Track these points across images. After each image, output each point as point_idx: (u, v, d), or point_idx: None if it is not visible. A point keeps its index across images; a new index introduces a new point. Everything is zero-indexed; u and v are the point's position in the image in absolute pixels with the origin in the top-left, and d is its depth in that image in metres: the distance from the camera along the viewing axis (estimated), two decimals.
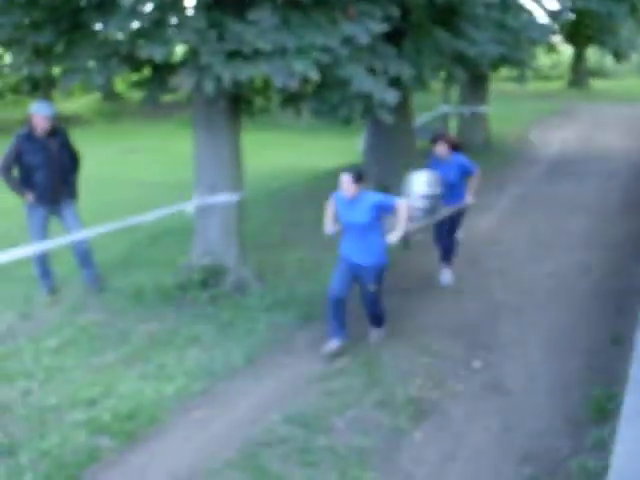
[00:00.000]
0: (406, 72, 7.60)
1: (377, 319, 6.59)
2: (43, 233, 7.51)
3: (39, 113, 7.35)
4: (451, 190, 7.81)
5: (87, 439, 5.01)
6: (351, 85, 6.81)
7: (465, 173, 7.97)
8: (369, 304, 6.43)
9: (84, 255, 7.75)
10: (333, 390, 5.64)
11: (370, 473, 4.60)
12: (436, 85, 15.83)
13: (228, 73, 6.32)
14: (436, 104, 16.41)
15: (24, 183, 7.40)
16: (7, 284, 7.98)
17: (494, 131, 18.24)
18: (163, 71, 6.92)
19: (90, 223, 7.39)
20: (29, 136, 7.40)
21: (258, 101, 8.37)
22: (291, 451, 4.83)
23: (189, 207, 7.60)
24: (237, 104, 7.65)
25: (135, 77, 7.54)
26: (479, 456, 4.82)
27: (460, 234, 8.39)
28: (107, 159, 16.15)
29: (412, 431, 5.10)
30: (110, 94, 26.40)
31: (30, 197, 7.41)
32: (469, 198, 8.02)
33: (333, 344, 6.25)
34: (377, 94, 6.89)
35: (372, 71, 7.05)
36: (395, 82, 7.43)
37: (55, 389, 5.73)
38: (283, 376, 5.92)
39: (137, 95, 7.99)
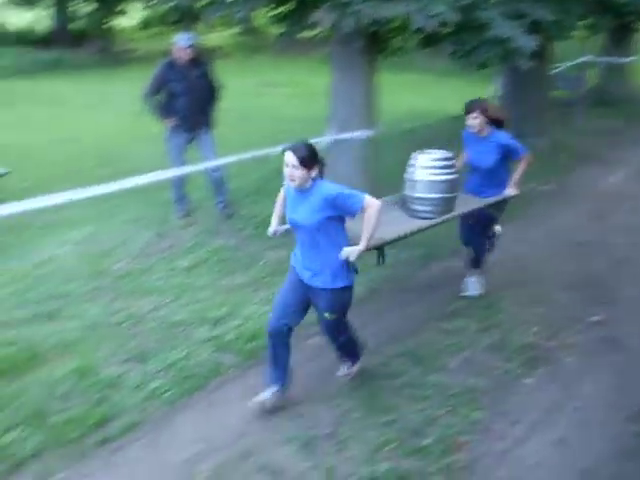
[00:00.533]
0: (548, 18, 7.42)
1: (344, 351, 4.96)
2: (181, 159, 7.87)
3: (181, 43, 7.64)
4: (487, 178, 6.15)
5: (211, 355, 5.34)
6: (490, 29, 6.74)
7: (508, 156, 6.10)
8: (328, 333, 4.76)
9: (218, 182, 8.08)
10: (449, 330, 5.76)
11: (478, 413, 4.71)
12: (579, 33, 15.25)
13: (368, 11, 6.38)
14: (577, 53, 15.81)
15: (166, 109, 7.75)
16: (146, 206, 8.45)
17: (639, 84, 17.46)
18: (304, 7, 7.04)
19: (226, 152, 7.68)
20: (171, 65, 7.72)
21: (395, 41, 8.38)
22: (403, 385, 4.99)
23: (322, 142, 7.76)
24: (374, 43, 7.70)
25: (275, 12, 7.69)
26: (588, 409, 4.83)
27: (497, 228, 6.65)
28: (245, 92, 16.50)
29: (523, 377, 5.16)
30: (249, 29, 26.81)
31: (171, 123, 7.77)
32: (511, 189, 6.16)
33: (267, 395, 4.69)
34: (515, 39, 6.78)
35: (512, 16, 6.93)
36: (535, 28, 7.28)
37: (184, 306, 6.09)
38: (403, 312, 6.07)
39: (276, 30, 8.15)
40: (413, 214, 5.83)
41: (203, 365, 5.20)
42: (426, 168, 5.72)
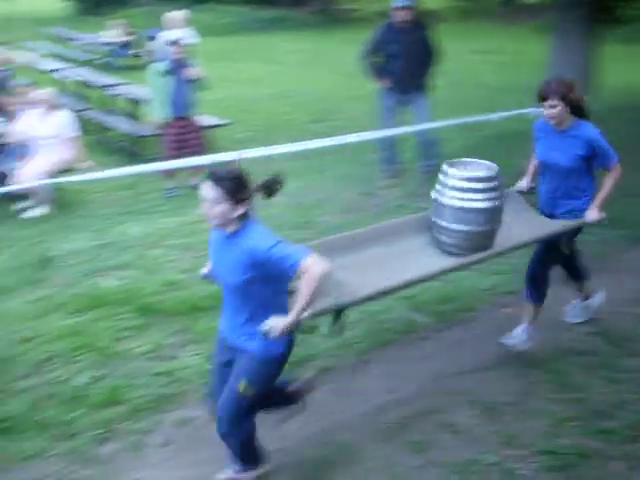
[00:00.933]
0: None
1: (236, 449, 3.66)
2: (391, 120, 8.01)
3: (398, 5, 7.73)
4: (566, 185, 4.72)
5: (405, 312, 5.51)
6: None
7: (593, 159, 4.63)
8: (226, 414, 3.51)
9: (428, 146, 8.15)
10: None
11: None
12: None
13: None
14: None
15: (382, 71, 7.91)
16: (353, 164, 8.71)
17: None
18: None
19: (440, 117, 7.73)
20: (390, 27, 7.85)
21: (622, 10, 8.01)
22: (596, 365, 4.87)
23: (533, 112, 7.61)
24: (598, 12, 7.41)
25: None
26: None
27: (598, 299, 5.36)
28: (456, 57, 16.33)
29: None
30: None
31: (385, 84, 7.92)
32: (593, 213, 4.66)
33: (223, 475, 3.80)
34: None
35: None
36: None
37: None
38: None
39: None
40: (438, 244, 4.50)
41: (397, 321, 5.38)
42: (455, 190, 4.27)
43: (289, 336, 3.38)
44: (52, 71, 14.20)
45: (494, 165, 4.35)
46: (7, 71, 10.84)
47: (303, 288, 3.11)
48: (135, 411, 4.39)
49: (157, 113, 8.31)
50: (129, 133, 10.18)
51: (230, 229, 3.24)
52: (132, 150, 10.05)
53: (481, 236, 4.33)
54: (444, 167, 4.34)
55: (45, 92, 8.34)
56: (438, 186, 4.36)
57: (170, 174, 8.27)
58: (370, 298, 3.96)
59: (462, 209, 4.23)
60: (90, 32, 20.65)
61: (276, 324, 3.21)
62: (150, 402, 4.47)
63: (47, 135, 8.02)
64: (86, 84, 12.82)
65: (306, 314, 3.29)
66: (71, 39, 21.13)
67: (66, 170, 7.98)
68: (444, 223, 4.34)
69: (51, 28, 23.06)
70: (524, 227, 4.63)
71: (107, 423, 4.29)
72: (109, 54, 18.52)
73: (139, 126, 10.08)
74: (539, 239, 4.66)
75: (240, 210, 3.17)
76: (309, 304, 3.18)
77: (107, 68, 16.76)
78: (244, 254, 3.15)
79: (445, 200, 4.29)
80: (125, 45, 18.59)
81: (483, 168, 4.35)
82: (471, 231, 4.27)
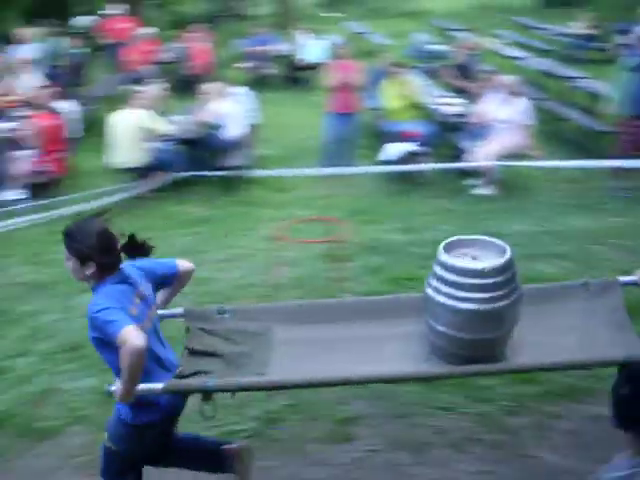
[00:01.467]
0: None
1: None
2: None
3: None
4: None
5: None
6: None
7: None
8: (100, 462, 3.47)
9: None
10: None
11: None
12: None
13: None
14: None
15: None
16: None
17: None
18: None
19: None
20: None
21: None
22: None
23: None
24: None
25: None
26: None
27: None
28: None
29: None
30: None
31: None
32: None
33: None
34: None
35: None
36: None
37: None
38: None
39: None
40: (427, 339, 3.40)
41: None
42: (441, 281, 3.17)
43: (146, 409, 3.22)
44: (515, 59, 14.64)
45: (507, 250, 3.21)
46: (474, 56, 11.51)
47: (121, 359, 2.94)
48: (548, 394, 4.53)
49: (616, 109, 8.20)
50: (583, 127, 10.14)
51: (90, 285, 3.20)
52: (583, 144, 9.99)
53: (480, 345, 3.19)
54: (439, 249, 3.26)
55: (508, 79, 8.71)
56: (429, 278, 3.27)
57: (619, 173, 8.10)
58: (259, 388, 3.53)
59: (443, 306, 3.15)
60: (556, 23, 20.68)
61: (117, 390, 3.10)
62: (564, 389, 4.56)
63: (504, 120, 8.39)
64: (546, 74, 12.99)
65: (155, 388, 3.13)
66: (536, 28, 21.38)
67: (516, 155, 8.29)
68: (430, 320, 3.29)
69: (519, 17, 23.56)
70: (585, 339, 3.34)
71: (519, 398, 4.50)
72: (572, 46, 18.38)
73: (594, 121, 9.98)
74: (592, 364, 3.30)
75: (89, 270, 3.12)
76: (132, 378, 2.99)
77: (568, 60, 16.68)
78: (87, 314, 3.06)
79: (429, 291, 3.23)
80: (590, 38, 18.27)
81: (489, 255, 3.25)
82: (453, 336, 3.17)
